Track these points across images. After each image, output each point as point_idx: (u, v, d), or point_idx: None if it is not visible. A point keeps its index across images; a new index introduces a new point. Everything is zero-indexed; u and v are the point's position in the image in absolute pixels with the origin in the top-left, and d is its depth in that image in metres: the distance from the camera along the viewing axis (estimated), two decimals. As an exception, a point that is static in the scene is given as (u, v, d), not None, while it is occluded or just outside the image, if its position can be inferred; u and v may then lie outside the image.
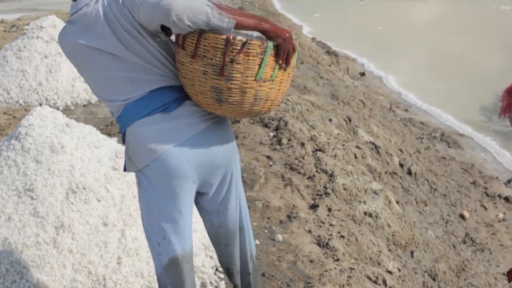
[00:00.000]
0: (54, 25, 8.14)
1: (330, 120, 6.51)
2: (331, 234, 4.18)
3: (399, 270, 4.23)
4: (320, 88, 7.91)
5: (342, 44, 16.59)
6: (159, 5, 2.42)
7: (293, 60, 2.66)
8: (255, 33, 2.63)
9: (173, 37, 2.75)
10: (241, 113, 2.67)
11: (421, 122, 10.65)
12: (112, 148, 4.17)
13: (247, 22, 2.53)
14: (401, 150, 7.46)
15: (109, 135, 5.57)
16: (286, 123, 5.78)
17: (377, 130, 7.50)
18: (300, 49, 10.22)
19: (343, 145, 5.65)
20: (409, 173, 6.72)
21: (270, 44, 2.51)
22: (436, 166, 7.99)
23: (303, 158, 5.19)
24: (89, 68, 2.74)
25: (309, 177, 4.94)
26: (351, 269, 3.80)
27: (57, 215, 3.56)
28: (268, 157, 5.24)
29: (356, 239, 4.25)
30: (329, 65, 10.66)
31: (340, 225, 4.35)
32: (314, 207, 4.60)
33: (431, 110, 11.59)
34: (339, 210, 4.58)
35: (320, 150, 5.36)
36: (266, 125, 5.91)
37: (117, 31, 2.61)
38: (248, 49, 2.50)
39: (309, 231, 4.23)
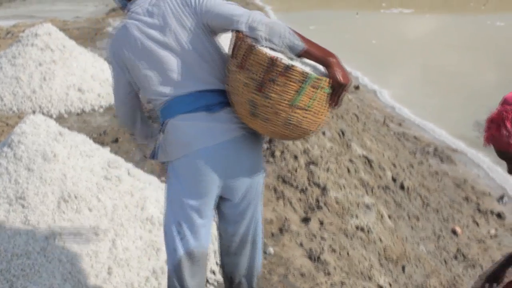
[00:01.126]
0: (49, 33, 8.14)
1: (324, 133, 6.51)
2: (322, 248, 4.19)
3: (390, 285, 4.23)
4: (314, 101, 7.93)
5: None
6: (246, 22, 2.71)
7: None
8: (323, 69, 2.73)
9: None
10: (271, 132, 2.78)
11: (415, 137, 10.65)
12: (104, 158, 4.16)
13: (315, 53, 2.72)
14: (394, 165, 7.46)
15: (102, 144, 5.56)
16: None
17: (371, 144, 7.50)
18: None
19: (336, 158, 5.66)
20: (402, 187, 6.73)
21: (313, 75, 2.61)
22: (429, 181, 8.00)
23: (296, 171, 5.20)
24: (148, 62, 2.89)
25: (302, 190, 4.94)
26: (342, 283, 3.80)
27: (48, 224, 3.56)
28: (261, 169, 5.24)
29: (348, 253, 4.25)
30: (324, 78, 10.67)
31: (332, 239, 4.35)
32: (306, 220, 4.61)
33: (424, 124, 11.58)
34: (331, 224, 4.58)
35: (313, 163, 5.36)
36: (259, 137, 5.92)
37: (183, 29, 2.86)
38: (290, 74, 2.59)
39: (301, 245, 4.23)
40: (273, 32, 2.68)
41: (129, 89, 3.09)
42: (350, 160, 5.85)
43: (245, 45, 2.68)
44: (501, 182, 8.97)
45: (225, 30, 2.87)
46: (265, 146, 5.72)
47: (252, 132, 2.88)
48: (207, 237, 3.03)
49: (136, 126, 3.30)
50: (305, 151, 5.62)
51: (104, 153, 4.28)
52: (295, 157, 5.42)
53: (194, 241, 2.94)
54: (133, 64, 2.94)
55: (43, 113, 7.10)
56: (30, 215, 3.57)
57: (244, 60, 2.69)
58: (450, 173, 9.01)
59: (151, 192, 4.21)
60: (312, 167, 5.27)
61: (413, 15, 26.49)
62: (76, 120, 7.08)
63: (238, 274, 3.21)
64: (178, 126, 2.87)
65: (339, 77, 2.70)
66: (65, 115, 7.24)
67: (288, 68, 2.59)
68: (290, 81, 2.61)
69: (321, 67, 2.74)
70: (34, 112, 7.19)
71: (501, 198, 8.32)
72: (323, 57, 2.72)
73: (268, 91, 2.65)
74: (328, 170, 5.31)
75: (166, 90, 2.88)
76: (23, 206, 3.60)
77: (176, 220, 2.94)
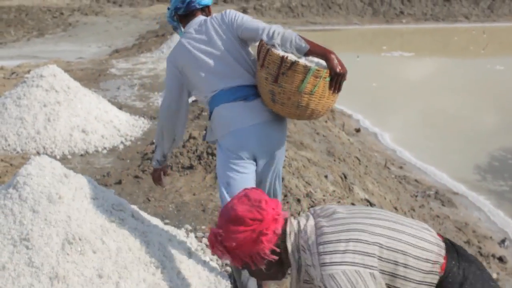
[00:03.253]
0: (54, 74, 8.21)
1: (326, 176, 6.54)
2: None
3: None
4: (316, 144, 7.96)
5: (338, 99, 16.66)
6: (268, 34, 3.71)
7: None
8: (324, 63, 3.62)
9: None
10: (287, 113, 3.76)
11: (416, 180, 10.66)
12: (109, 200, 4.17)
13: (317, 49, 3.64)
14: (395, 208, 7.47)
15: (105, 185, 5.58)
16: (282, 179, 5.80)
17: (372, 187, 7.52)
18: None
19: (339, 202, 5.67)
20: (404, 231, 6.72)
21: (313, 68, 3.52)
22: (431, 224, 7.99)
23: (299, 214, 5.20)
24: (199, 67, 3.93)
25: (304, 234, 4.94)
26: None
27: (52, 266, 3.54)
28: (264, 212, 5.24)
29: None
30: (326, 121, 10.72)
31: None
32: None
33: (425, 168, 11.61)
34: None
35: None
36: (262, 181, 5.94)
37: (222, 40, 3.93)
38: (295, 67, 3.54)
39: None
40: (285, 39, 3.65)
41: (181, 90, 4.09)
42: (353, 204, 5.86)
43: (264, 49, 3.67)
44: (503, 226, 8.97)
45: (253, 39, 3.88)
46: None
47: (278, 117, 3.90)
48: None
49: (177, 124, 4.21)
50: (308, 195, 5.64)
51: (109, 195, 4.28)
52: (298, 201, 5.43)
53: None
54: (188, 70, 3.98)
55: (47, 154, 7.13)
56: (34, 256, 3.56)
57: (264, 60, 3.67)
58: (452, 217, 9.01)
59: (154, 235, 4.21)
60: (315, 210, 5.29)
61: (414, 59, 26.67)
62: (79, 161, 7.10)
63: None
64: (223, 112, 3.88)
65: (336, 67, 3.58)
66: (69, 156, 7.27)
67: (294, 63, 3.53)
68: (296, 73, 3.55)
69: (324, 63, 3.61)
70: (38, 152, 7.22)
71: (502, 242, 8.31)
72: (323, 53, 3.62)
73: (281, 82, 3.60)
74: (330, 213, 5.32)
75: (213, 87, 3.91)
76: (27, 248, 3.59)
77: (225, 181, 3.90)
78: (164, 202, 5.64)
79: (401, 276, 2.58)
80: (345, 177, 6.94)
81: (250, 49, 4.03)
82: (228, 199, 3.74)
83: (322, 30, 38.37)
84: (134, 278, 3.75)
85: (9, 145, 7.42)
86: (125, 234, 3.96)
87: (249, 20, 3.91)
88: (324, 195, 5.74)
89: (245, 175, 3.88)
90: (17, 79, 12.84)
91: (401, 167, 11.41)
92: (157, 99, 10.56)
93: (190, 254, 4.46)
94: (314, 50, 3.64)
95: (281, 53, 3.59)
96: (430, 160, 11.98)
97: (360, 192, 6.81)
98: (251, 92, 3.89)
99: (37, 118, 7.63)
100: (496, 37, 33.74)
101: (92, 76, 13.86)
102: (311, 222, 2.68)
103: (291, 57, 3.58)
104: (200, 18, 4.10)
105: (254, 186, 3.88)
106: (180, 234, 4.81)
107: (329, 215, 2.69)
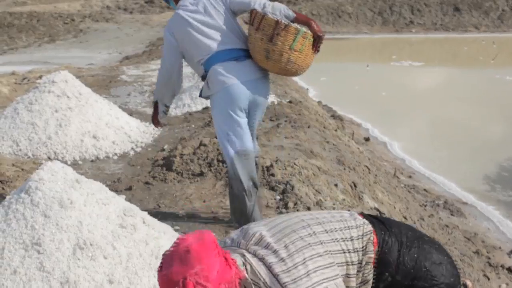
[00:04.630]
0: (66, 80, 8.25)
1: (336, 185, 6.54)
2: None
3: None
4: (326, 153, 7.96)
5: (347, 108, 16.67)
6: (260, 5, 4.63)
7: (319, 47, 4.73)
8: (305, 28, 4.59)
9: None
10: (278, 68, 4.65)
11: (425, 189, 10.65)
12: (120, 206, 4.19)
13: (301, 17, 4.70)
14: (405, 217, 7.46)
15: (116, 191, 5.59)
16: (292, 187, 5.82)
17: (382, 196, 7.52)
18: (307, 113, 10.30)
19: (349, 210, 5.67)
20: (413, 240, 6.70)
21: (302, 30, 4.52)
22: (440, 234, 7.97)
23: (308, 222, 5.21)
24: (196, 34, 4.73)
25: (314, 242, 4.95)
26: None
27: (63, 271, 3.57)
28: (274, 221, 5.25)
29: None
30: (335, 130, 10.72)
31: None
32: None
33: (434, 177, 11.59)
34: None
35: (325, 215, 5.38)
36: (272, 188, 5.94)
37: (217, 12, 4.77)
38: (288, 29, 4.49)
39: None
40: (275, 8, 4.61)
41: (177, 55, 4.88)
42: (362, 213, 5.86)
43: (259, 15, 4.56)
44: (512, 236, 8.95)
45: (244, 10, 4.80)
46: (278, 197, 5.75)
47: (265, 75, 4.85)
48: (248, 140, 4.76)
49: (175, 85, 5.04)
50: (318, 203, 5.64)
51: (120, 201, 4.31)
52: (308, 209, 5.43)
53: (239, 144, 4.70)
54: (184, 38, 4.77)
55: (58, 159, 7.16)
56: (45, 261, 3.58)
57: (259, 24, 4.56)
58: (461, 226, 8.99)
59: (165, 241, 4.22)
60: (324, 219, 5.29)
61: (423, 68, 26.62)
62: (90, 167, 7.13)
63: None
64: (218, 70, 4.67)
65: (318, 31, 4.65)
66: (80, 162, 7.30)
67: (287, 25, 4.49)
68: (288, 33, 4.50)
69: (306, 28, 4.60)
70: (49, 158, 7.25)
71: (511, 252, 8.29)
72: (306, 20, 4.69)
73: (275, 41, 4.51)
74: (340, 222, 5.33)
75: (208, 49, 4.71)
76: (38, 252, 3.61)
77: (225, 132, 4.72)
78: (174, 209, 5.66)
79: (348, 262, 2.58)
80: (355, 185, 6.95)
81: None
82: (230, 150, 4.70)
83: (331, 39, 38.32)
84: (144, 284, 3.77)
85: (20, 150, 7.45)
86: (136, 240, 3.98)
87: None
88: (334, 204, 5.75)
89: (243, 124, 4.73)
90: (28, 84, 12.89)
91: (410, 177, 11.40)
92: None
93: (200, 260, 4.47)
94: (299, 18, 4.68)
95: (275, 17, 4.53)
96: (439, 169, 11.96)
97: (370, 201, 6.81)
98: (242, 54, 4.76)
99: (48, 123, 7.66)
100: (506, 48, 33.66)
101: (103, 83, 13.90)
102: (254, 260, 2.45)
103: (284, 20, 4.53)
104: None
105: (248, 132, 4.77)
106: (190, 240, 4.82)
107: (258, 242, 2.53)
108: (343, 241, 2.59)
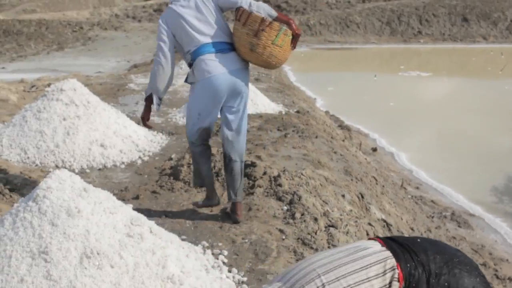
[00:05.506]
0: (75, 88, 8.26)
1: (343, 196, 6.53)
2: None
3: None
4: (334, 163, 7.95)
5: (354, 118, 16.68)
6: (246, 3, 5.18)
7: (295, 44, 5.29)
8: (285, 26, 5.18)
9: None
10: (261, 60, 5.23)
11: (432, 201, 10.62)
12: (127, 215, 4.19)
13: (282, 17, 5.24)
14: (412, 229, 7.45)
15: (123, 200, 5.60)
16: (300, 198, 5.80)
17: (389, 208, 7.50)
18: (314, 123, 10.30)
19: (356, 221, 5.66)
20: (420, 252, 6.67)
21: (284, 27, 5.12)
22: (447, 246, 7.94)
23: (316, 233, 5.20)
24: (187, 27, 5.26)
25: (321, 253, 4.93)
26: None
27: (70, 279, 3.56)
28: (281, 231, 5.25)
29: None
30: (343, 140, 10.72)
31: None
32: (325, 283, 4.58)
33: (442, 188, 11.56)
34: (350, 288, 4.55)
35: (332, 226, 5.37)
36: (280, 199, 5.93)
37: (206, 9, 5.30)
38: (272, 25, 5.07)
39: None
40: (260, 7, 5.17)
41: (172, 45, 5.36)
42: (369, 224, 5.84)
43: (246, 12, 5.12)
44: (519, 249, 8.91)
45: (231, 8, 5.34)
46: (285, 208, 5.75)
47: (245, 67, 5.40)
48: (213, 122, 5.46)
49: (170, 74, 5.43)
50: (325, 214, 5.63)
51: (127, 210, 4.30)
52: (315, 219, 5.43)
53: (207, 121, 5.40)
54: (176, 29, 5.31)
55: (65, 167, 7.17)
56: (52, 270, 3.58)
57: (246, 20, 5.10)
58: (468, 238, 8.96)
59: (172, 250, 4.22)
60: (332, 229, 5.27)
61: (431, 78, 26.64)
62: (97, 176, 7.13)
63: (233, 154, 5.53)
64: (203, 61, 5.22)
65: (296, 30, 5.21)
66: (87, 170, 7.30)
67: (271, 22, 5.08)
68: (272, 29, 5.08)
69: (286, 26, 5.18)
70: (56, 166, 7.26)
71: (519, 265, 8.25)
72: (286, 20, 5.23)
73: (260, 36, 5.07)
74: (347, 233, 5.31)
75: (197, 41, 5.25)
76: (45, 261, 3.61)
77: (196, 111, 5.38)
78: (181, 218, 5.65)
79: None
80: (362, 196, 6.93)
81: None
82: (197, 126, 5.41)
83: (340, 49, 38.44)
84: (152, 295, 3.76)
85: (28, 157, 7.47)
86: (143, 249, 3.97)
87: None
88: (341, 215, 5.74)
89: (214, 112, 5.40)
90: (36, 92, 12.93)
91: (417, 188, 11.38)
92: (176, 115, 10.59)
93: (207, 270, 4.47)
94: (280, 17, 5.24)
95: (261, 15, 5.09)
96: (447, 181, 11.94)
97: (377, 212, 6.80)
98: (226, 47, 5.32)
99: (56, 131, 7.67)
100: (514, 59, 33.64)
101: (111, 91, 13.93)
102: None
103: (269, 18, 5.11)
104: None
105: (216, 119, 5.49)
106: (197, 250, 4.82)
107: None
108: (360, 284, 2.48)
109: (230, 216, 5.61)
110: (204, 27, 5.27)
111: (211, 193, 5.81)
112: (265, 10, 5.19)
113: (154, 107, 5.60)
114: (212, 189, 5.81)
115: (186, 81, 5.49)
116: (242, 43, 5.20)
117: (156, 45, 5.42)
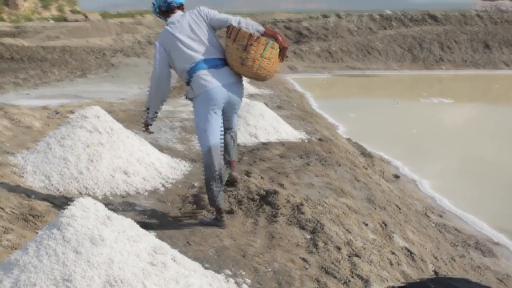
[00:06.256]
0: (98, 115, 8.32)
1: (366, 224, 6.50)
2: None
3: None
4: (356, 192, 7.92)
5: (377, 145, 16.61)
6: (236, 21, 5.86)
7: (282, 58, 5.88)
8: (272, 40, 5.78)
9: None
10: (251, 73, 5.77)
11: (456, 229, 10.52)
12: (150, 243, 4.20)
13: (270, 32, 5.84)
14: (435, 257, 7.37)
15: (146, 228, 5.60)
16: (322, 226, 5.79)
17: (412, 236, 7.44)
18: (337, 151, 10.28)
19: (379, 250, 5.63)
20: (444, 281, 6.60)
21: (270, 41, 5.66)
22: (471, 275, 7.87)
23: (339, 262, 5.18)
24: (182, 47, 5.83)
25: (345, 282, 4.90)
26: None
27: (94, 309, 3.57)
28: (304, 260, 5.22)
29: None
30: (366, 168, 10.67)
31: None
32: (349, 313, 4.55)
33: (465, 216, 11.44)
34: (374, 318, 4.52)
35: (356, 255, 5.34)
36: (303, 227, 5.92)
37: (199, 28, 5.89)
38: (259, 40, 5.60)
39: None
40: (248, 24, 5.76)
41: (167, 64, 5.97)
42: (393, 253, 5.81)
43: (236, 29, 5.69)
44: (545, 278, 8.78)
45: (222, 26, 5.94)
46: (308, 236, 5.73)
47: (239, 80, 5.97)
48: (220, 136, 5.92)
49: (165, 91, 6.13)
50: (348, 243, 5.60)
51: (150, 238, 4.32)
52: (338, 248, 5.40)
53: (215, 138, 5.87)
54: (172, 49, 5.89)
55: (88, 194, 7.20)
56: (76, 298, 3.59)
57: (235, 36, 5.66)
58: (492, 267, 8.86)
59: (195, 279, 4.22)
60: (355, 258, 5.25)
61: (453, 105, 26.54)
62: (120, 203, 7.14)
63: (233, 155, 6.43)
64: (200, 76, 5.79)
65: (283, 43, 5.77)
66: (110, 198, 7.32)
67: (259, 37, 5.62)
68: (260, 44, 5.61)
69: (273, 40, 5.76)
70: (80, 193, 7.30)
71: (545, 295, 8.14)
72: (273, 34, 5.81)
73: (249, 50, 5.61)
74: (371, 262, 5.28)
75: (192, 59, 5.82)
76: (69, 289, 3.63)
77: (202, 129, 5.89)
78: (204, 246, 5.64)
79: None
80: (385, 225, 6.89)
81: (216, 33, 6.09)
82: (205, 145, 5.89)
83: (361, 75, 38.42)
84: (175, 324, 3.76)
85: (52, 184, 7.51)
86: (166, 278, 3.98)
87: (217, 13, 6.01)
88: (364, 243, 5.70)
89: (217, 122, 5.89)
90: (60, 118, 13.01)
91: (441, 215, 11.28)
92: (198, 143, 10.64)
93: (230, 300, 4.46)
94: (268, 32, 5.84)
95: (249, 31, 5.64)
96: (470, 208, 11.83)
97: (400, 241, 6.75)
98: (220, 62, 5.87)
99: (80, 158, 7.72)
100: (537, 85, 33.46)
101: (134, 118, 14.00)
102: None
103: (256, 34, 5.67)
104: (179, 13, 6.10)
105: (222, 127, 6.00)
106: (220, 279, 4.80)
107: None
108: None
109: (229, 180, 6.45)
110: (198, 46, 5.84)
111: (220, 214, 6.11)
112: (253, 27, 5.78)
113: (148, 120, 6.36)
114: (222, 210, 6.11)
115: (186, 97, 6.14)
116: (233, 58, 5.77)
117: None
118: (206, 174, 6.00)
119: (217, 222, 6.12)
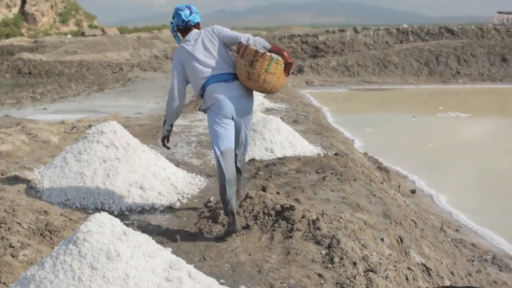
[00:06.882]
0: (115, 130, 8.37)
1: (382, 239, 6.48)
2: None
3: None
4: (372, 207, 7.90)
5: (393, 160, 16.56)
6: (245, 38, 6.20)
7: (288, 72, 6.19)
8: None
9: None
10: (257, 86, 6.11)
11: (472, 244, 10.46)
12: (166, 259, 4.20)
13: (275, 48, 6.14)
14: (452, 273, 7.33)
15: (161, 243, 5.62)
16: (338, 242, 5.77)
17: (429, 252, 7.41)
18: (353, 166, 10.26)
19: (395, 266, 5.60)
20: (461, 297, 6.56)
21: (275, 57, 5.97)
22: (488, 291, 7.82)
23: (355, 278, 5.16)
24: (196, 63, 6.25)
25: (360, 298, 4.89)
26: None
27: (110, 324, 3.57)
28: (320, 275, 5.21)
29: None
30: (382, 183, 10.64)
31: None
32: (365, 329, 4.53)
33: (482, 231, 11.38)
34: (390, 335, 4.50)
35: (371, 271, 5.32)
36: (318, 243, 5.90)
37: (212, 45, 6.30)
38: (264, 56, 5.95)
39: None
40: (256, 41, 6.13)
41: (184, 79, 6.43)
42: (409, 268, 5.77)
43: (243, 46, 6.07)
44: (562, 295, 8.71)
45: (233, 43, 6.31)
46: (323, 252, 5.72)
47: (248, 93, 6.33)
48: (232, 142, 6.26)
49: (180, 104, 6.50)
50: (364, 258, 5.58)
51: (166, 254, 4.32)
52: (354, 264, 5.38)
53: (227, 144, 6.19)
54: (187, 65, 6.32)
55: (104, 209, 7.22)
56: (92, 313, 3.59)
57: (243, 53, 6.04)
58: (510, 283, 8.80)
59: (211, 295, 4.22)
60: (371, 274, 5.22)
61: (470, 119, 26.42)
62: (136, 218, 7.16)
63: (239, 162, 6.69)
64: (212, 89, 6.19)
65: (288, 59, 6.07)
66: (126, 212, 7.34)
67: (264, 54, 5.95)
68: (265, 59, 5.94)
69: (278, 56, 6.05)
70: (96, 208, 7.33)
71: None
72: (279, 50, 6.10)
73: (255, 65, 5.95)
74: (387, 278, 5.25)
75: (206, 74, 6.23)
76: (85, 304, 3.63)
77: (215, 134, 6.19)
78: (219, 262, 5.64)
79: None
80: (401, 240, 6.86)
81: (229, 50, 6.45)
82: (218, 150, 6.17)
83: (378, 89, 38.38)
84: None
85: (68, 199, 7.55)
86: (182, 294, 3.97)
87: (229, 31, 6.40)
88: (380, 259, 5.68)
89: (228, 130, 6.21)
90: (77, 133, 13.11)
91: (457, 230, 11.22)
92: (213, 154, 10.67)
93: (245, 315, 4.45)
94: (274, 48, 6.14)
95: (255, 48, 5.99)
96: (487, 223, 11.76)
97: (417, 256, 6.72)
98: (230, 77, 6.26)
99: (96, 173, 7.76)
100: (555, 99, 33.26)
101: (150, 132, 14.06)
102: None
103: (262, 50, 6.00)
104: (195, 31, 6.49)
105: (233, 136, 6.29)
106: (236, 294, 4.80)
107: None
108: None
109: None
110: (211, 62, 6.26)
111: (233, 217, 6.25)
112: (261, 44, 6.15)
113: (164, 131, 6.75)
114: (234, 213, 6.27)
115: (200, 109, 6.54)
116: (241, 73, 6.15)
117: None
118: (220, 179, 6.25)
119: (229, 228, 6.25)
